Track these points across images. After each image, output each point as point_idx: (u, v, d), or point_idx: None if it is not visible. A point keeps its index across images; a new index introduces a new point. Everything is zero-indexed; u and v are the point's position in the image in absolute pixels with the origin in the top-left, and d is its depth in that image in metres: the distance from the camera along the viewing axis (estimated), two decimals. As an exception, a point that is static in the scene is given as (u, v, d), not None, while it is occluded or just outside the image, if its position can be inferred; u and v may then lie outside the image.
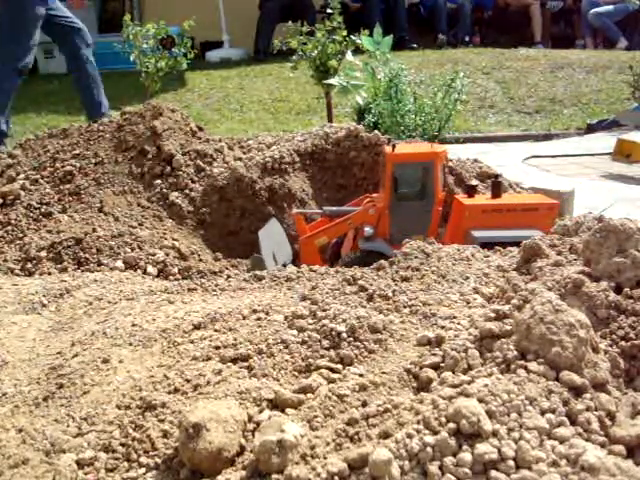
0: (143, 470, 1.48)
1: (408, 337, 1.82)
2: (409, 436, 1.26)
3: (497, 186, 3.46)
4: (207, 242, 3.98)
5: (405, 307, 2.02)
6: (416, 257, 2.41)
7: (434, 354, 1.61)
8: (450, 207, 3.62)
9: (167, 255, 3.54)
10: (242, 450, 1.43)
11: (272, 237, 3.78)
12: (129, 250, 3.49)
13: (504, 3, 12.13)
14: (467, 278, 2.21)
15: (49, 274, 3.26)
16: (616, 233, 1.71)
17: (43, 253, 3.44)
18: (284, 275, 2.56)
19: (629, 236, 1.70)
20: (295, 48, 6.00)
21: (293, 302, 2.16)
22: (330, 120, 6.15)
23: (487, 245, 2.79)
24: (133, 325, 2.13)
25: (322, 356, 1.75)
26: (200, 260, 3.73)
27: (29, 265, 3.40)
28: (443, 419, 1.26)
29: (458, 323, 1.83)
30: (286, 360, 1.76)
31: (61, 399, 1.77)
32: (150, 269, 3.40)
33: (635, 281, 1.66)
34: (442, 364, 1.55)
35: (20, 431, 1.66)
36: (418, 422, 1.29)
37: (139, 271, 3.36)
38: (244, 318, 2.06)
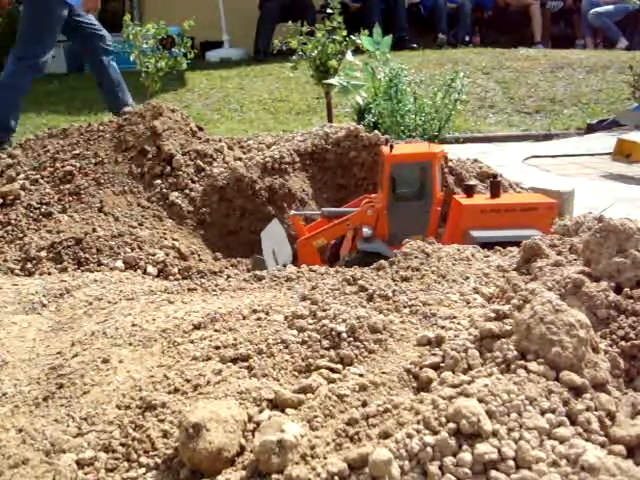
0: (143, 470, 1.48)
1: (408, 337, 1.82)
2: (409, 436, 1.26)
3: (496, 186, 3.46)
4: (207, 242, 3.98)
5: (405, 307, 2.02)
6: (416, 257, 2.41)
7: (434, 354, 1.61)
8: (449, 207, 3.62)
9: (167, 255, 3.54)
10: (242, 450, 1.43)
11: (273, 237, 3.78)
12: (129, 250, 3.49)
13: (504, 3, 12.13)
14: (467, 278, 2.21)
15: (49, 274, 3.27)
16: (616, 233, 1.71)
17: (43, 253, 3.44)
18: (284, 275, 2.56)
19: (629, 236, 1.70)
20: (295, 48, 6.00)
21: (293, 302, 2.16)
22: (330, 120, 6.15)
23: (486, 245, 2.79)
24: (133, 325, 2.13)
25: (322, 356, 1.75)
26: (200, 260, 3.73)
27: (29, 265, 3.41)
28: (443, 419, 1.26)
29: (458, 323, 1.83)
30: (286, 360, 1.76)
31: (61, 399, 1.77)
32: (150, 269, 3.40)
33: (635, 281, 1.66)
34: (442, 364, 1.55)
35: (20, 431, 1.66)
36: (418, 422, 1.29)
37: (139, 271, 3.36)
38: (244, 318, 2.06)
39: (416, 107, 5.50)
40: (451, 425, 1.24)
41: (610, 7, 11.27)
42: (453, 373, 1.48)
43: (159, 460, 1.49)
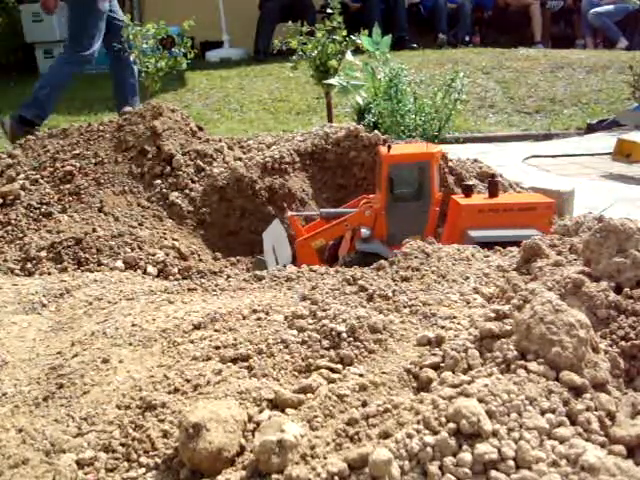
0: (143, 470, 1.48)
1: (408, 337, 1.82)
2: (409, 436, 1.26)
3: (494, 186, 3.46)
4: (207, 242, 3.98)
5: (405, 307, 2.02)
6: (416, 257, 2.41)
7: (434, 354, 1.61)
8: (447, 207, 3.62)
9: (167, 255, 3.54)
10: (242, 450, 1.43)
11: (274, 238, 3.78)
12: (129, 250, 3.49)
13: (504, 3, 12.14)
14: (467, 278, 2.21)
15: (49, 274, 3.27)
16: (616, 233, 1.71)
17: (43, 253, 3.44)
18: (284, 275, 2.56)
19: (629, 236, 1.70)
20: (295, 48, 6.00)
21: (293, 302, 2.16)
22: (330, 120, 6.15)
23: (484, 245, 2.79)
24: (133, 325, 2.13)
25: (322, 356, 1.75)
26: (200, 260, 3.73)
27: (29, 265, 3.41)
28: (443, 419, 1.26)
29: (458, 323, 1.83)
30: (286, 360, 1.76)
31: (61, 399, 1.77)
32: (150, 269, 3.40)
33: (635, 281, 1.66)
34: (442, 364, 1.55)
35: (20, 431, 1.66)
36: (418, 422, 1.29)
37: (139, 271, 3.36)
38: (244, 318, 2.06)
39: (416, 107, 5.50)
40: (451, 425, 1.24)
41: (610, 7, 11.28)
42: (453, 373, 1.48)
43: (159, 460, 1.49)
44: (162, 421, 1.58)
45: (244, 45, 11.26)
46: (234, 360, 1.78)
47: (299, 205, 4.17)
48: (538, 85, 8.67)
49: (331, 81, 5.89)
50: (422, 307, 2.00)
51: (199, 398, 1.63)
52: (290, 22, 6.06)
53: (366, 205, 3.64)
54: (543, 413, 1.27)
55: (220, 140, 4.54)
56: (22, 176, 4.08)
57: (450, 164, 4.24)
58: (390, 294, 2.11)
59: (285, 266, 3.13)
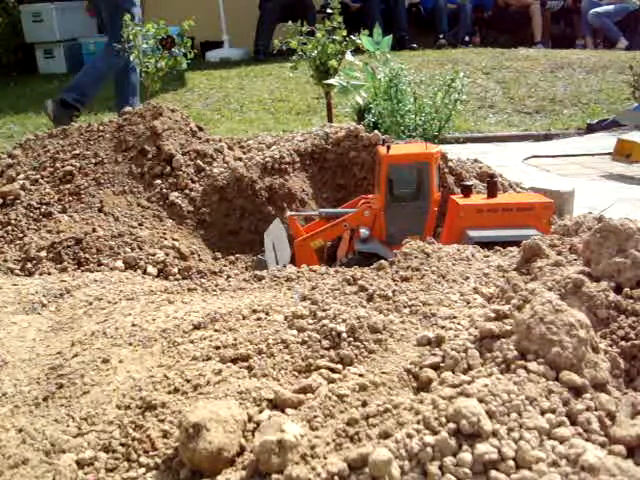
0: (143, 470, 1.48)
1: (408, 337, 1.82)
2: (409, 436, 1.26)
3: (492, 186, 3.46)
4: (207, 242, 3.98)
5: (405, 307, 2.02)
6: (416, 257, 2.41)
7: (434, 354, 1.61)
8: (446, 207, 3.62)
9: (167, 255, 3.54)
10: (242, 450, 1.43)
11: (274, 238, 3.78)
12: (129, 250, 3.49)
13: (504, 3, 12.14)
14: (467, 278, 2.21)
15: (49, 274, 3.26)
16: (616, 233, 1.71)
17: (43, 253, 3.44)
18: (284, 275, 2.56)
19: (629, 236, 1.70)
20: (295, 48, 6.00)
21: (293, 302, 2.16)
22: (330, 120, 6.15)
23: (483, 244, 2.79)
24: (133, 325, 2.13)
25: (322, 356, 1.75)
26: (200, 260, 3.73)
27: (29, 265, 3.40)
28: (443, 419, 1.26)
29: (458, 323, 1.83)
30: (286, 360, 1.76)
31: (61, 399, 1.77)
32: (150, 269, 3.40)
33: (635, 281, 1.66)
34: (442, 364, 1.55)
35: (20, 431, 1.66)
36: (418, 422, 1.29)
37: (139, 271, 3.35)
38: (244, 318, 2.06)
39: (416, 107, 5.49)
40: (451, 425, 1.24)
41: (610, 7, 11.28)
42: (453, 373, 1.48)
43: (159, 460, 1.49)
44: (162, 421, 1.58)
45: (244, 45, 11.26)
46: (234, 360, 1.78)
47: (299, 205, 4.17)
48: (538, 85, 8.67)
49: (331, 81, 5.88)
50: (422, 307, 2.00)
51: (199, 398, 1.63)
52: (290, 22, 6.06)
53: (365, 205, 3.64)
54: (543, 413, 1.27)
55: (220, 140, 4.54)
56: (22, 176, 4.08)
57: (450, 164, 4.24)
58: (390, 294, 2.11)
59: (285, 266, 3.13)
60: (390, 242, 3.45)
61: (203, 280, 2.77)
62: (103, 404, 1.70)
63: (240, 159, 4.32)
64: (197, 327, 2.04)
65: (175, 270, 3.46)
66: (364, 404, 1.48)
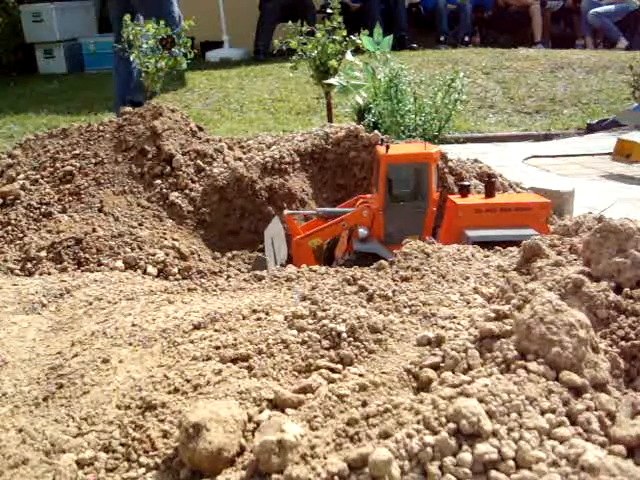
0: (143, 470, 1.48)
1: (408, 337, 1.82)
2: (409, 436, 1.26)
3: (490, 186, 3.47)
4: (207, 242, 3.98)
5: (405, 307, 2.02)
6: (416, 257, 2.41)
7: (434, 354, 1.61)
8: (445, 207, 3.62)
9: (167, 255, 3.54)
10: (242, 450, 1.43)
11: (273, 236, 3.79)
12: (129, 250, 3.49)
13: (504, 3, 12.13)
14: (467, 278, 2.21)
15: (49, 274, 3.26)
16: (616, 233, 1.71)
17: (43, 253, 3.44)
18: (284, 275, 2.56)
19: (629, 236, 1.70)
20: (295, 48, 6.00)
21: (293, 302, 2.16)
22: (330, 120, 6.15)
23: (481, 244, 2.79)
24: (133, 325, 2.13)
25: (322, 356, 1.75)
26: (200, 260, 3.73)
27: (29, 265, 3.40)
28: (443, 419, 1.26)
29: (458, 323, 1.83)
30: (286, 360, 1.76)
31: (61, 399, 1.77)
32: (150, 269, 3.40)
33: (635, 281, 1.66)
34: (442, 364, 1.55)
35: (20, 431, 1.66)
36: (418, 422, 1.29)
37: (139, 271, 3.36)
38: (244, 318, 2.06)
39: (416, 107, 5.49)
40: (451, 425, 1.24)
41: (610, 7, 11.27)
42: (453, 373, 1.47)
43: (159, 460, 1.49)
44: (162, 421, 1.58)
45: (244, 45, 11.26)
46: (234, 360, 1.78)
47: (299, 205, 4.17)
48: (538, 85, 8.67)
49: (331, 81, 5.88)
50: (422, 307, 1.99)
51: (199, 398, 1.62)
52: (290, 22, 6.06)
53: (363, 205, 3.64)
54: (543, 413, 1.27)
55: (220, 140, 4.54)
56: (22, 176, 4.08)
57: (450, 164, 4.24)
58: (390, 294, 2.11)
59: (283, 265, 3.13)
60: (389, 242, 3.45)
61: (203, 280, 2.77)
62: (103, 404, 1.70)
63: (240, 159, 4.32)
64: (197, 327, 2.04)
65: (175, 270, 3.46)
66: (364, 404, 1.48)
